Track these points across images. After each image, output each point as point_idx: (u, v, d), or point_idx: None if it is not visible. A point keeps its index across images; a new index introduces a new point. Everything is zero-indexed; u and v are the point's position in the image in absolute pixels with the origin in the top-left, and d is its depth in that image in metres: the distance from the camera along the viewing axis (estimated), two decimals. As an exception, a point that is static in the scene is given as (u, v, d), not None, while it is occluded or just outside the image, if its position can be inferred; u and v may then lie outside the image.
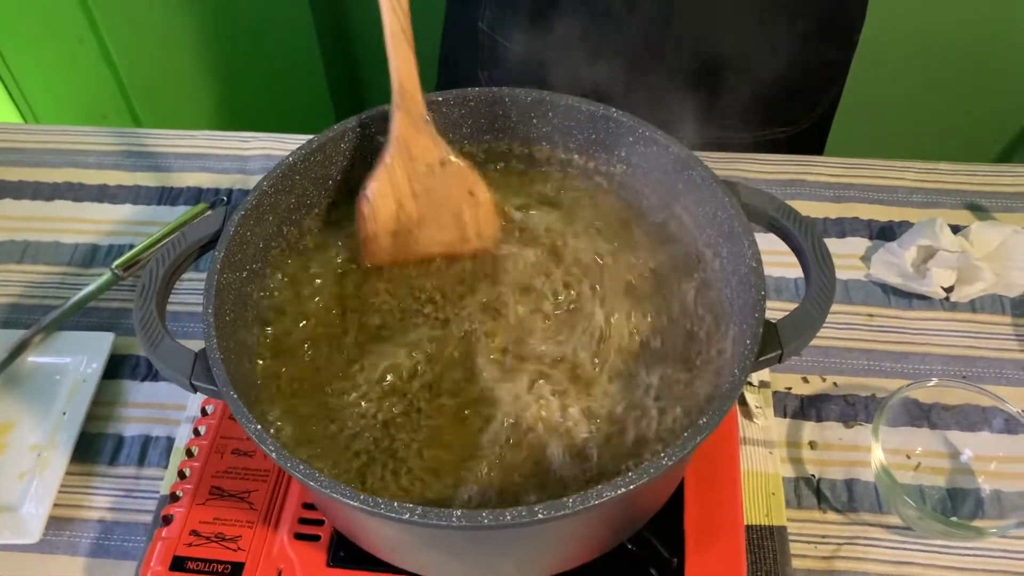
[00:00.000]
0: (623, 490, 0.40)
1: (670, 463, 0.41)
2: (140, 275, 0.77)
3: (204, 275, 0.77)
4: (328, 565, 0.55)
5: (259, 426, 0.42)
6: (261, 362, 0.52)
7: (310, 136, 0.56)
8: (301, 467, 0.41)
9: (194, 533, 0.56)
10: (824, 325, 0.73)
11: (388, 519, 0.40)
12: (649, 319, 0.54)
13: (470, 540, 0.45)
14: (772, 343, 0.46)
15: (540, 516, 0.39)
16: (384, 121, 0.57)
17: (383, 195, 0.55)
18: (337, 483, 0.40)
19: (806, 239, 0.49)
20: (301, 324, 0.55)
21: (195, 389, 0.46)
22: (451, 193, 0.56)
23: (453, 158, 0.55)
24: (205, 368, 0.45)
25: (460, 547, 0.47)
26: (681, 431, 0.47)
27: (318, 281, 0.56)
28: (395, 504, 0.39)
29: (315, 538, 0.56)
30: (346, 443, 0.50)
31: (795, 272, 0.77)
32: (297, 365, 0.53)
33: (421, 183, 0.55)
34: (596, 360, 0.53)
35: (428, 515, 0.39)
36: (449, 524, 0.39)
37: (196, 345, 0.47)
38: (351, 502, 0.40)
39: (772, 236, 0.75)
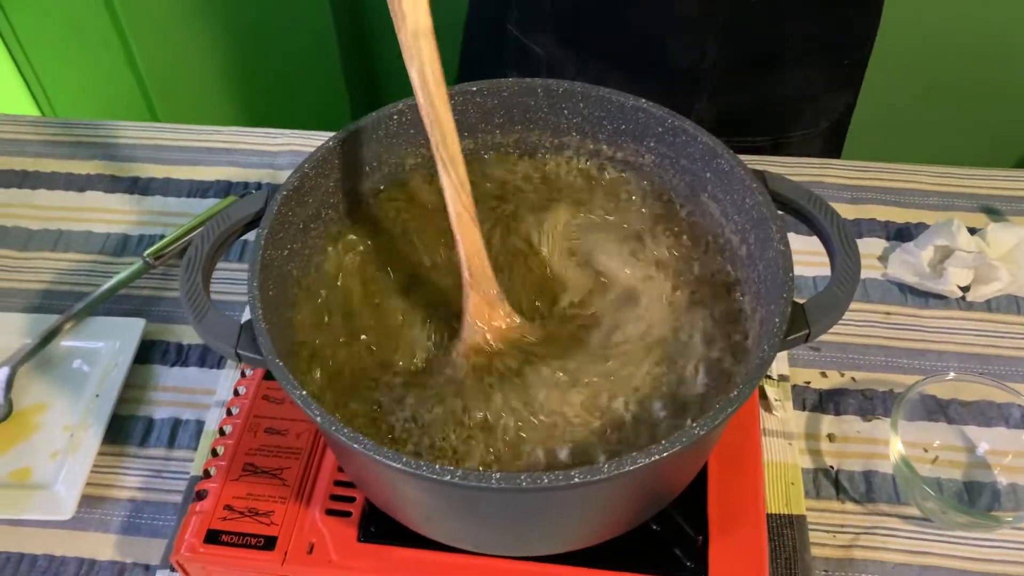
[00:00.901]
0: (656, 457, 0.41)
1: (702, 432, 0.42)
2: (172, 263, 0.79)
3: (232, 264, 0.80)
4: (359, 540, 0.56)
5: (304, 392, 0.43)
6: (299, 338, 0.54)
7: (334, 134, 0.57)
8: (346, 431, 0.42)
9: (228, 508, 0.57)
10: (843, 322, 0.75)
11: (428, 481, 0.41)
12: (678, 305, 0.55)
13: (505, 505, 0.46)
14: (800, 323, 0.47)
15: (576, 480, 0.40)
16: (419, 111, 0.59)
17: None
18: (380, 446, 0.41)
19: (831, 224, 0.51)
20: (338, 304, 0.56)
21: (240, 359, 0.47)
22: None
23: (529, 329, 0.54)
24: (250, 338, 0.47)
25: (495, 514, 0.48)
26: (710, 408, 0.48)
27: (355, 263, 0.58)
28: (436, 466, 0.41)
29: (346, 514, 0.57)
30: (380, 420, 0.51)
31: (813, 271, 0.79)
32: (333, 344, 0.54)
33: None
34: (632, 346, 0.54)
35: (468, 477, 0.41)
36: (488, 486, 0.40)
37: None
38: (394, 464, 0.41)
39: (789, 236, 0.77)
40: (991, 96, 1.44)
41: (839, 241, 0.50)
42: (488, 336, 0.53)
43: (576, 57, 0.87)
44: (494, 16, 0.92)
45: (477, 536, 0.52)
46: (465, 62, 1.02)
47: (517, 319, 0.54)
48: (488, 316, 0.53)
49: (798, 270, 0.78)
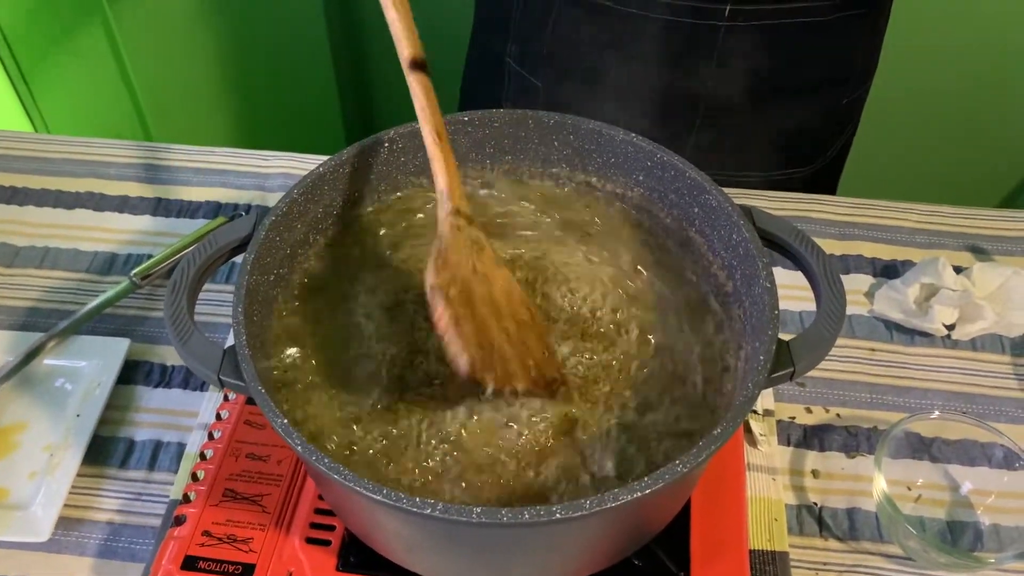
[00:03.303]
0: (639, 494, 0.41)
1: (685, 470, 0.42)
2: (158, 283, 0.79)
3: (219, 286, 0.79)
4: (338, 569, 0.56)
5: (286, 420, 0.43)
6: (282, 363, 0.53)
7: (328, 157, 0.58)
8: (326, 461, 0.42)
9: (206, 534, 0.57)
10: (828, 358, 0.75)
11: (409, 514, 0.41)
12: (661, 341, 0.55)
13: (487, 540, 0.46)
14: (785, 360, 0.47)
15: (558, 516, 0.40)
16: (411, 138, 0.59)
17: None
18: (361, 478, 0.41)
19: (817, 261, 0.51)
20: (322, 331, 0.56)
21: (222, 384, 0.47)
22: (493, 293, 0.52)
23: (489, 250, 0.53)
24: (233, 364, 0.46)
25: (476, 548, 0.48)
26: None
27: (342, 287, 0.58)
28: (417, 499, 0.41)
29: (326, 543, 0.57)
30: (361, 450, 0.51)
31: (799, 305, 0.79)
32: (316, 370, 0.54)
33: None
34: (610, 380, 0.54)
35: (449, 511, 0.40)
36: (469, 520, 0.40)
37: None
38: (374, 496, 0.41)
39: (776, 270, 0.77)
40: (982, 135, 1.46)
41: (825, 280, 0.51)
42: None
43: (573, 89, 0.88)
44: (493, 48, 0.92)
45: (457, 569, 0.52)
46: (465, 93, 1.03)
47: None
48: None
49: (784, 304, 0.79)
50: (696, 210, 0.57)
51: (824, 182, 0.97)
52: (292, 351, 0.54)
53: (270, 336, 0.54)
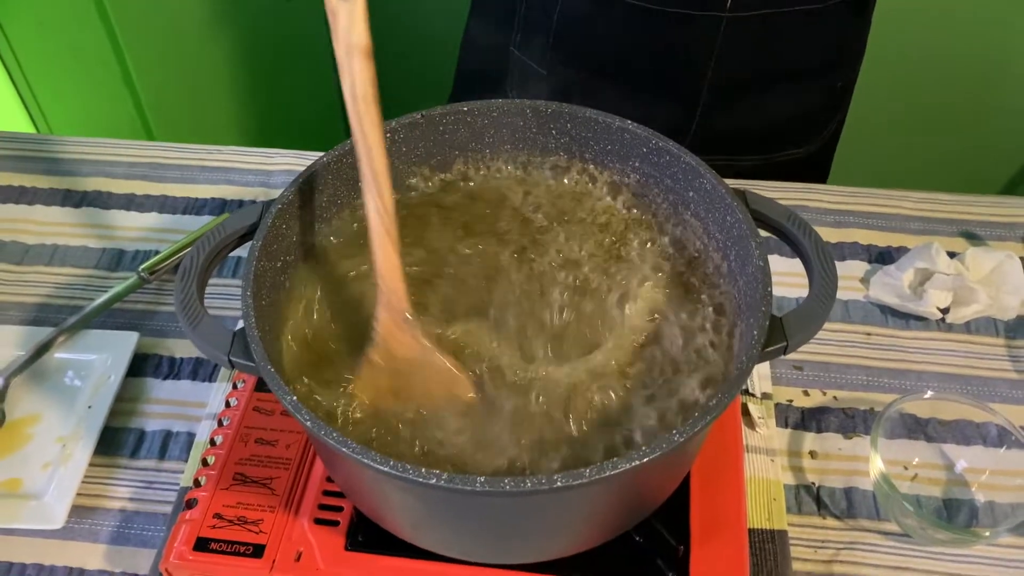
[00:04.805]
0: (637, 463, 0.42)
1: (682, 439, 0.43)
2: (166, 279, 0.80)
3: (226, 280, 0.81)
4: (346, 548, 0.57)
5: (295, 397, 0.44)
6: (291, 347, 0.55)
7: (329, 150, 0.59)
8: (334, 435, 0.43)
9: (217, 516, 0.58)
10: (825, 342, 0.76)
11: (415, 484, 0.42)
12: (658, 321, 0.57)
13: (490, 511, 0.47)
14: (778, 335, 0.48)
15: (559, 484, 0.41)
16: (411, 128, 0.61)
17: (364, 389, 0.54)
18: (368, 450, 0.42)
19: (808, 240, 0.52)
20: (329, 314, 0.57)
21: (232, 365, 0.48)
22: (431, 387, 0.53)
23: (436, 357, 0.53)
24: (243, 346, 0.48)
25: (479, 520, 0.49)
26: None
27: (347, 275, 0.59)
28: (422, 469, 0.42)
29: (334, 523, 0.58)
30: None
31: (796, 292, 0.80)
32: (324, 354, 0.56)
33: (403, 378, 0.53)
34: (611, 360, 0.55)
35: (453, 481, 0.42)
36: (473, 489, 0.41)
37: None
38: (381, 467, 0.42)
39: (774, 258, 0.78)
40: (976, 124, 1.47)
41: (816, 256, 0.52)
42: (392, 354, 0.52)
43: (578, 77, 0.89)
44: (496, 35, 0.94)
45: (462, 543, 0.53)
46: (461, 78, 1.04)
47: (425, 343, 0.52)
48: (395, 335, 0.52)
49: (783, 291, 0.80)
50: (691, 194, 0.58)
51: (819, 165, 0.99)
52: (300, 335, 0.56)
53: (278, 319, 0.55)
